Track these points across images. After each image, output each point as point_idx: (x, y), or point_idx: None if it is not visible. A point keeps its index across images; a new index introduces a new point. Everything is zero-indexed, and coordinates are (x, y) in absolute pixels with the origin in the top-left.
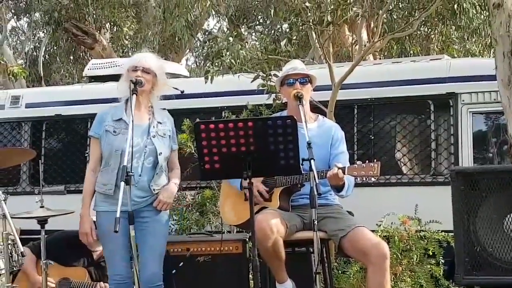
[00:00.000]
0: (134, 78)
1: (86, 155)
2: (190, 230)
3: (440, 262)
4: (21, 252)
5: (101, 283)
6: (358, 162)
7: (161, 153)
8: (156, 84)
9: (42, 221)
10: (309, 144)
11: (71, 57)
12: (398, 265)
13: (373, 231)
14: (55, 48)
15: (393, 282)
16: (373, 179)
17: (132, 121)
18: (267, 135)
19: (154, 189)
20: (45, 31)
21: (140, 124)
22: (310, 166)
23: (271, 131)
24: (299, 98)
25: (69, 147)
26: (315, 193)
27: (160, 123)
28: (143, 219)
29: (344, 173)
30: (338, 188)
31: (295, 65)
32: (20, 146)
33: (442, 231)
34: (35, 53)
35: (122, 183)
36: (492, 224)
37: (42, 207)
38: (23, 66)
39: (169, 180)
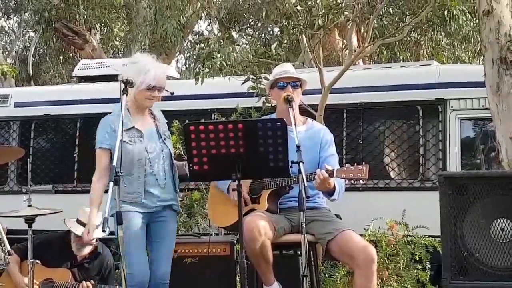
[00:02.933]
0: (124, 78)
1: (75, 155)
2: (178, 232)
3: (427, 267)
4: (8, 251)
5: (84, 282)
6: (347, 165)
7: (173, 154)
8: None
9: (30, 220)
10: (298, 147)
11: (61, 57)
12: (384, 270)
13: (360, 235)
14: (45, 48)
15: (379, 287)
16: (361, 181)
17: (122, 121)
18: (256, 137)
19: (179, 189)
20: (35, 31)
21: (148, 128)
22: (299, 169)
23: (260, 133)
24: (289, 101)
25: (58, 147)
26: (304, 196)
27: (162, 123)
28: (162, 218)
29: (333, 175)
30: (329, 192)
31: (287, 69)
32: (9, 145)
33: (429, 236)
34: (24, 53)
35: (111, 183)
36: (479, 229)
37: (29, 206)
38: (13, 65)
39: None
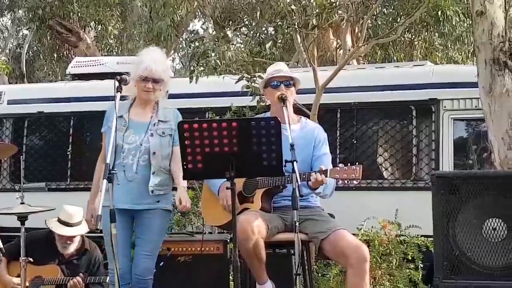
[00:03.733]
0: (118, 76)
1: (68, 153)
2: (171, 230)
3: (419, 267)
4: (0, 249)
5: (73, 277)
6: (340, 165)
7: (154, 152)
8: (164, 86)
9: (22, 217)
10: (292, 145)
11: (55, 55)
12: (377, 269)
13: (353, 234)
14: (38, 45)
15: (372, 286)
16: (355, 182)
17: (116, 119)
18: (250, 135)
19: (152, 191)
20: (29, 28)
21: (141, 122)
22: (293, 168)
23: (254, 132)
24: (283, 100)
25: (51, 144)
26: (297, 195)
27: (162, 121)
28: (143, 214)
29: (326, 175)
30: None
31: (280, 68)
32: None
33: (421, 236)
34: (18, 50)
35: (105, 181)
36: (471, 228)
37: (22, 203)
38: (6, 63)
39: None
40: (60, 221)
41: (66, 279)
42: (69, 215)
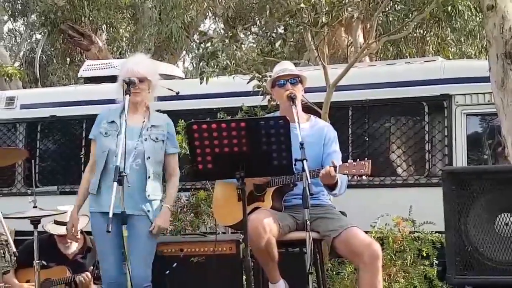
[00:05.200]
0: (127, 78)
1: (81, 156)
2: (185, 231)
3: (434, 263)
4: (13, 252)
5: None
6: (349, 161)
7: (149, 157)
8: (151, 87)
9: (35, 221)
10: (301, 144)
11: (68, 59)
12: (392, 266)
13: (367, 232)
14: (51, 49)
15: (387, 283)
16: (364, 177)
17: (126, 121)
18: (259, 135)
19: (148, 195)
20: (41, 33)
21: (133, 126)
22: (303, 167)
23: (263, 131)
24: (291, 98)
25: (64, 148)
26: (308, 193)
27: (154, 126)
28: (134, 221)
29: (336, 171)
30: (331, 187)
31: (285, 66)
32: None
33: (436, 232)
34: (32, 55)
35: (115, 183)
36: (483, 224)
37: (35, 207)
38: (20, 67)
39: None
40: (56, 222)
41: (73, 276)
42: (63, 214)
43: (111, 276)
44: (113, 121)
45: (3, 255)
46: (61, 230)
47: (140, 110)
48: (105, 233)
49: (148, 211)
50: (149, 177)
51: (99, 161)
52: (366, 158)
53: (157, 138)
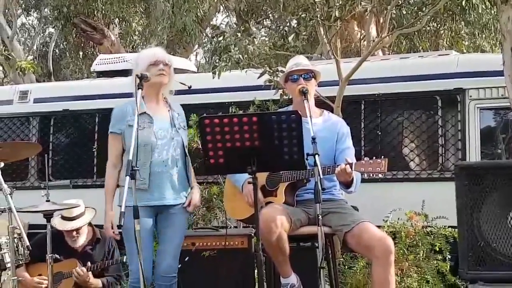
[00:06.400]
0: (139, 73)
1: (94, 150)
2: (197, 225)
3: (447, 258)
4: (27, 246)
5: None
6: (366, 158)
7: (186, 145)
8: (171, 78)
9: (48, 215)
10: (313, 139)
11: (81, 53)
12: (404, 261)
13: (379, 226)
14: (64, 43)
15: (399, 278)
16: (380, 175)
17: (137, 116)
18: (271, 130)
19: (191, 182)
20: (54, 27)
21: (161, 117)
22: (315, 161)
23: (275, 126)
24: (304, 93)
25: (77, 142)
26: (320, 188)
27: (179, 114)
28: (170, 211)
29: (351, 169)
30: (347, 184)
31: (299, 61)
32: (26, 141)
33: (448, 226)
34: (45, 49)
35: (127, 178)
36: (496, 219)
37: (48, 201)
38: (33, 61)
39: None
40: (63, 217)
41: (70, 272)
42: (69, 209)
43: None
44: (143, 113)
45: (16, 249)
46: (68, 225)
47: (161, 101)
48: (143, 229)
49: (186, 197)
50: (189, 164)
51: (141, 155)
52: (382, 156)
53: (184, 127)
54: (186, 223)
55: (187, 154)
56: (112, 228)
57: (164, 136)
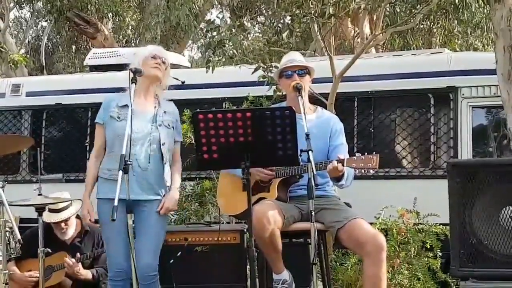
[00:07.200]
0: (133, 68)
1: (86, 144)
2: (190, 220)
3: (438, 255)
4: (18, 240)
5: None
6: (357, 154)
7: (164, 143)
8: (166, 76)
9: (40, 209)
10: (307, 135)
11: (73, 47)
12: (395, 258)
13: (371, 223)
14: (57, 37)
15: (390, 275)
16: (371, 171)
17: (132, 110)
18: (265, 125)
19: (166, 181)
20: (47, 20)
21: (145, 112)
22: (308, 158)
23: (269, 121)
24: (298, 89)
25: (69, 136)
26: (313, 184)
27: (166, 112)
28: (144, 207)
29: (343, 165)
30: (337, 178)
31: (293, 57)
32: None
33: (440, 224)
34: (37, 42)
35: (120, 172)
36: (488, 216)
37: (40, 195)
38: (26, 55)
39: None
40: (49, 209)
41: (58, 265)
42: (55, 202)
43: (118, 263)
44: (125, 105)
45: (8, 242)
46: (55, 217)
47: (150, 97)
48: (112, 222)
49: (164, 195)
50: (165, 163)
51: (115, 146)
52: (374, 152)
53: (169, 125)
54: (164, 220)
55: (163, 152)
56: (90, 216)
57: (141, 130)
